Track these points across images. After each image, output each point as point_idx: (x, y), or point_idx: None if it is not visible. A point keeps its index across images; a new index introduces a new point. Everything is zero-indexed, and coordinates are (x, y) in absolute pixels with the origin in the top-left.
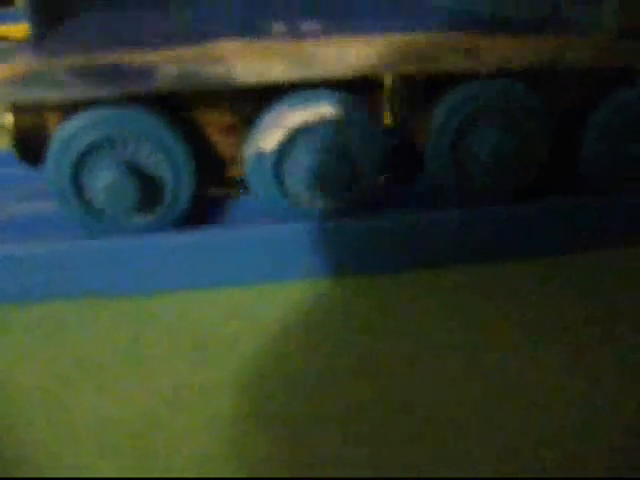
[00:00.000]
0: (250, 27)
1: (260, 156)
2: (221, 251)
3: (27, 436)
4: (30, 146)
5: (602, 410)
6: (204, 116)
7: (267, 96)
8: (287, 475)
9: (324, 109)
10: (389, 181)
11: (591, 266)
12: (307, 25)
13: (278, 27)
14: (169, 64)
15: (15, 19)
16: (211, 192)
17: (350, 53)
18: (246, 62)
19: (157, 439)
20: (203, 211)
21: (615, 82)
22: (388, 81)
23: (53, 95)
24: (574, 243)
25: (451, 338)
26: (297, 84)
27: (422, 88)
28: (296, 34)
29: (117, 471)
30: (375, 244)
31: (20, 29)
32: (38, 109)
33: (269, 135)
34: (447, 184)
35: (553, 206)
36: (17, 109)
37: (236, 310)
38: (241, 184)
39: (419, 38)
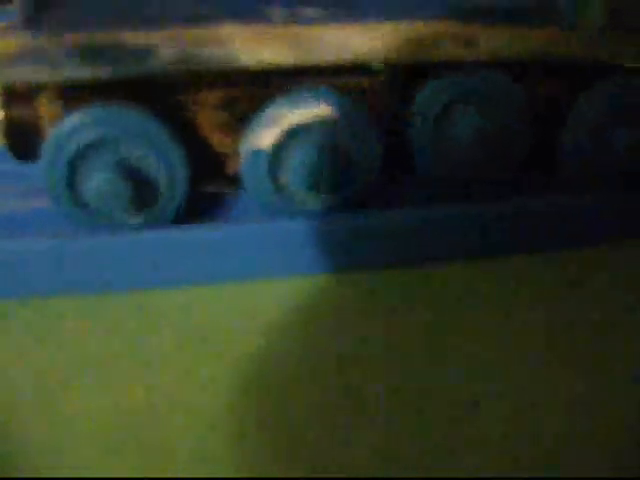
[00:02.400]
0: (251, 12)
1: (256, 153)
2: (222, 247)
3: (25, 435)
4: (22, 140)
5: (602, 410)
6: (199, 115)
7: (261, 95)
8: (287, 474)
9: (321, 108)
10: (386, 179)
11: (590, 264)
12: (308, 11)
13: (279, 12)
14: (169, 45)
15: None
16: (209, 189)
17: (349, 39)
18: (245, 45)
19: (157, 436)
20: (203, 207)
21: (594, 76)
22: (384, 70)
23: (48, 75)
24: (568, 240)
25: (449, 336)
26: (294, 79)
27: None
28: (296, 20)
29: (116, 470)
30: (374, 241)
31: None
32: (29, 99)
33: (266, 132)
34: (434, 175)
35: (536, 204)
36: (8, 100)
37: (237, 306)
38: (237, 181)
39: (420, 26)
